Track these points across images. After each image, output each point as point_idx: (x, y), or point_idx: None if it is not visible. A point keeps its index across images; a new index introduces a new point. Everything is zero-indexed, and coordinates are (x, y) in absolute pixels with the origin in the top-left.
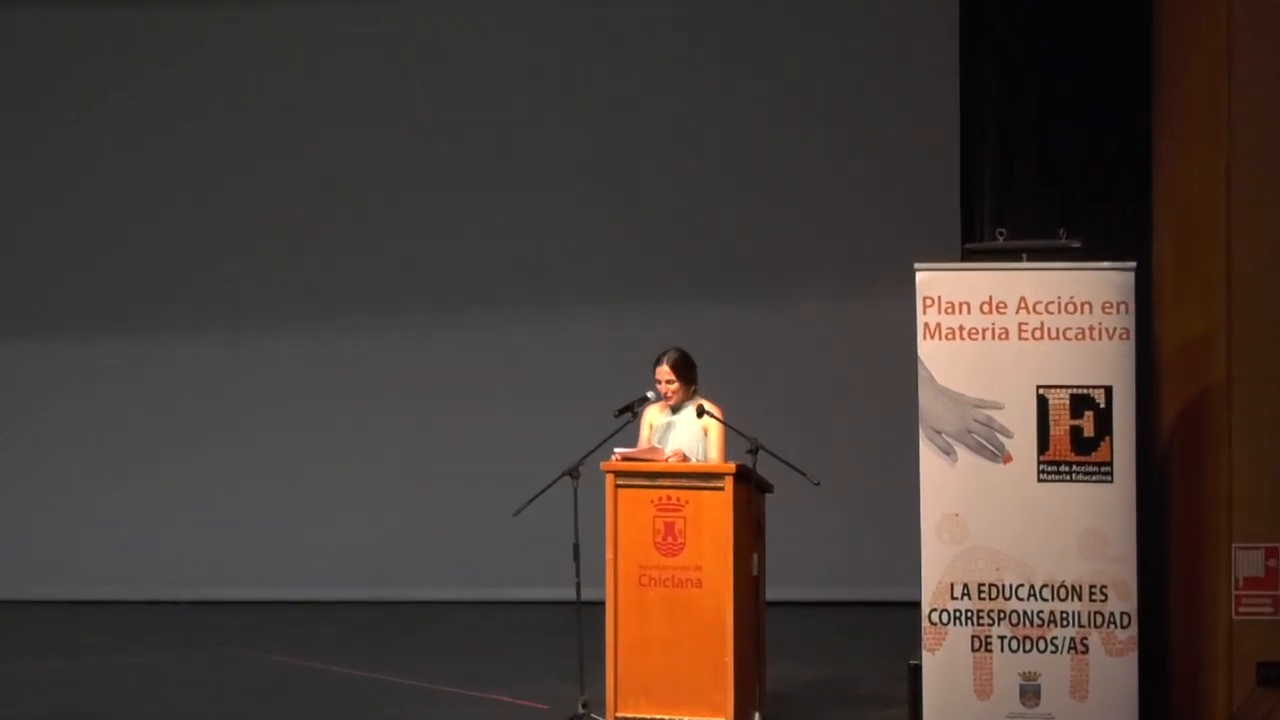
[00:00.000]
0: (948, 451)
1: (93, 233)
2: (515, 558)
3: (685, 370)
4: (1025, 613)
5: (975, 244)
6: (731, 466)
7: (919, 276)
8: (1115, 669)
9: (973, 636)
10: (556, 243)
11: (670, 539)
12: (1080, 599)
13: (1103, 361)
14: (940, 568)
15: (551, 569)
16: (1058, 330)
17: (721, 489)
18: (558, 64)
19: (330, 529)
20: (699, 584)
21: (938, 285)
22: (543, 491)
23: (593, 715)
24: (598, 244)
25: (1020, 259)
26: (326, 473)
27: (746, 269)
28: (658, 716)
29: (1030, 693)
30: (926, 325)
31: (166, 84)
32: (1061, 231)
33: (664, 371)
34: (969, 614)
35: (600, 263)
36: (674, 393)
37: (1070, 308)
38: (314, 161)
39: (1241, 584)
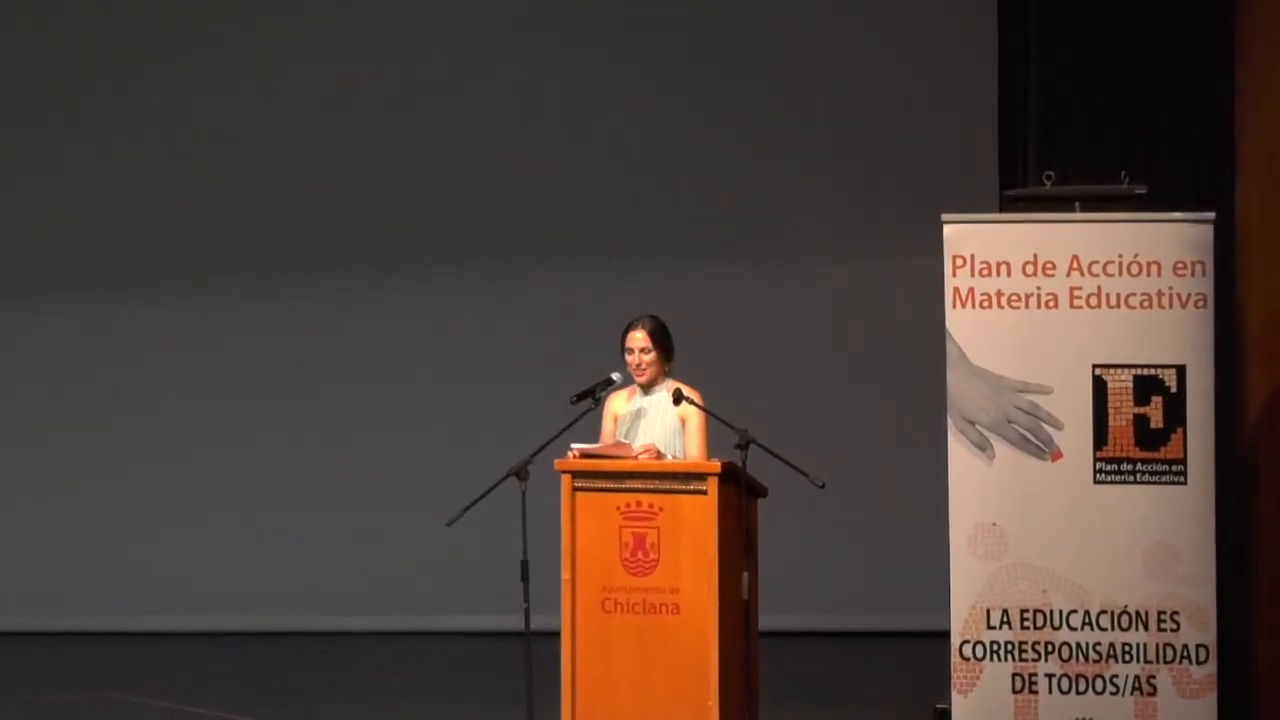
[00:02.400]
0: (982, 447)
1: None
2: (448, 578)
3: (664, 340)
4: (1079, 645)
5: (1017, 190)
6: (716, 465)
7: (947, 231)
8: (1190, 714)
9: (1014, 675)
10: (494, 187)
11: (640, 555)
12: (1146, 628)
13: (1174, 335)
14: (974, 590)
15: (493, 592)
16: (1118, 296)
17: (704, 493)
18: None
19: (212, 544)
20: (676, 610)
21: (970, 241)
22: (482, 497)
23: None
24: (551, 191)
25: (1072, 208)
26: (210, 475)
27: (734, 223)
28: None
29: None
30: (956, 291)
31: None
32: (1123, 175)
33: (637, 338)
34: (1009, 647)
35: (555, 214)
36: (648, 366)
37: (1134, 269)
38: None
39: None
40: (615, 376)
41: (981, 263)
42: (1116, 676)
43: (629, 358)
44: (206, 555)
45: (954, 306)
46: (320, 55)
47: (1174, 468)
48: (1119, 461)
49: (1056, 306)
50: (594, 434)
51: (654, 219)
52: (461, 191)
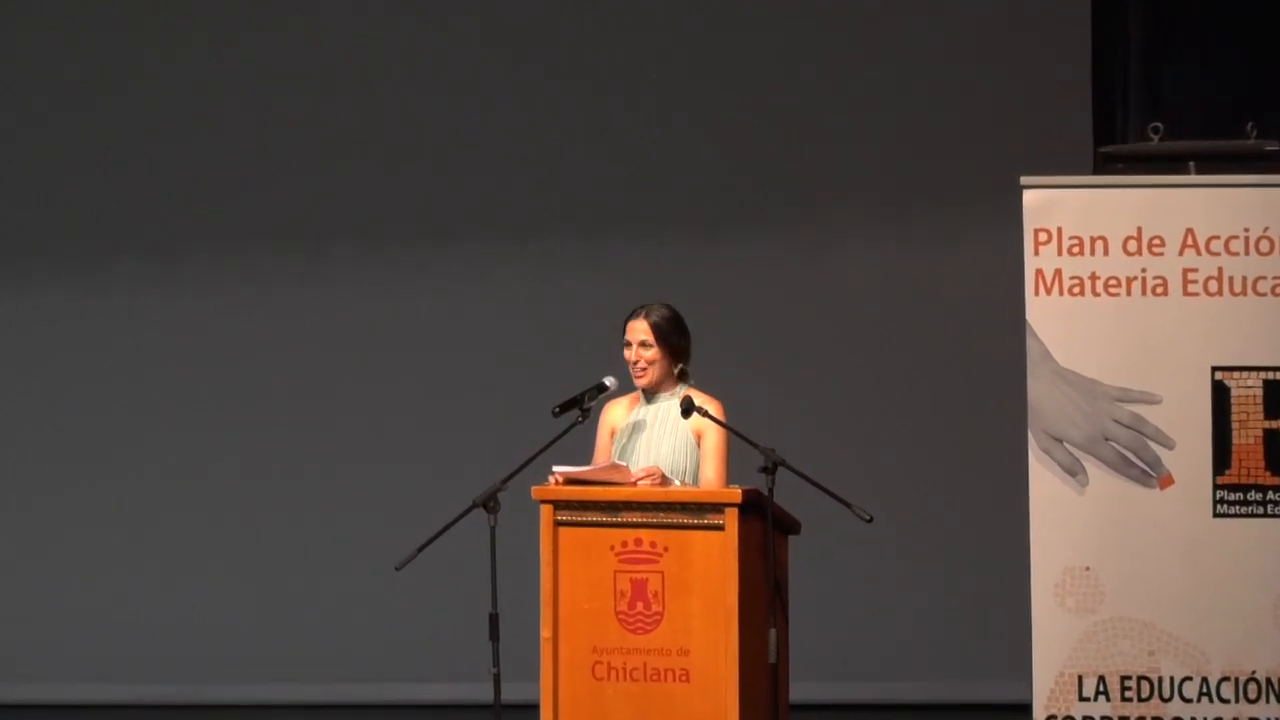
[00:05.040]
0: (1072, 471)
1: None
2: (399, 636)
3: (673, 335)
4: None
5: (1115, 147)
6: (737, 493)
7: (1028, 198)
8: None
9: None
10: (472, 152)
11: (640, 607)
12: None
13: None
14: (1062, 651)
15: (456, 653)
16: (1244, 281)
17: (720, 528)
18: None
19: (113, 603)
20: (686, 677)
21: (1057, 211)
22: (440, 533)
23: None
24: (546, 155)
25: (1186, 169)
26: (104, 520)
27: (758, 192)
28: None
29: None
30: (1040, 274)
31: None
32: (1250, 127)
33: (638, 329)
34: None
35: (532, 184)
36: (649, 365)
37: (1263, 246)
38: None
39: None
40: (609, 382)
41: (1071, 238)
42: None
43: (626, 353)
44: (104, 615)
45: (1036, 294)
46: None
47: None
48: (1245, 489)
49: (1166, 293)
50: (585, 454)
51: (657, 186)
52: (395, 158)
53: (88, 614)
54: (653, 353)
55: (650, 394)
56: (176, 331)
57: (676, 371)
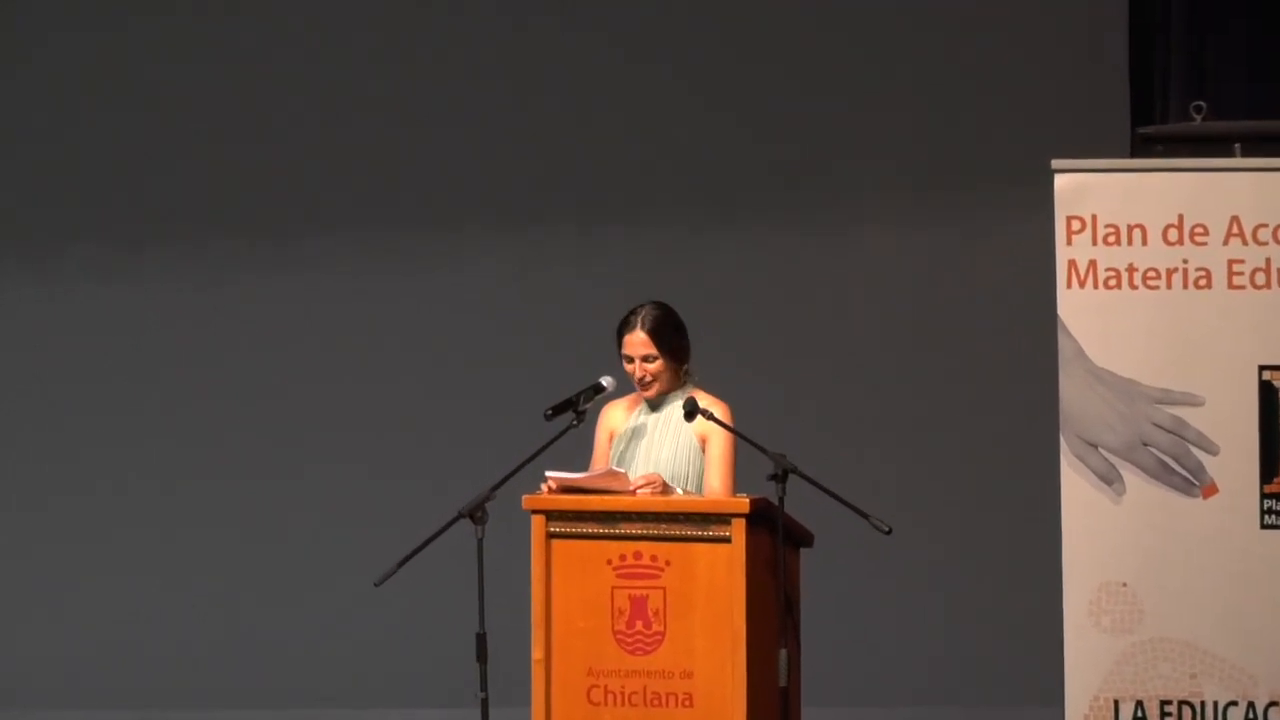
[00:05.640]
0: (1108, 479)
1: None
2: (379, 657)
3: (672, 338)
4: None
5: (1154, 128)
6: (745, 502)
7: (1059, 183)
8: None
9: None
10: (456, 135)
11: (640, 625)
12: None
13: None
14: (1097, 673)
15: (440, 676)
16: None
17: (726, 540)
18: None
19: (68, 623)
20: (689, 702)
21: (1091, 197)
22: (423, 547)
23: None
24: (536, 135)
25: (1232, 152)
26: (58, 532)
27: (777, 176)
28: None
29: None
30: (1073, 265)
31: None
32: None
33: (637, 343)
34: None
35: (536, 166)
36: (656, 378)
37: None
38: None
39: None
40: (606, 382)
41: (1107, 226)
42: None
43: (628, 368)
44: (60, 636)
45: (1069, 286)
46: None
47: None
48: None
49: (1210, 286)
50: (580, 459)
51: (657, 168)
52: (372, 141)
53: (41, 637)
54: (657, 364)
55: (653, 397)
56: (132, 329)
57: (682, 372)
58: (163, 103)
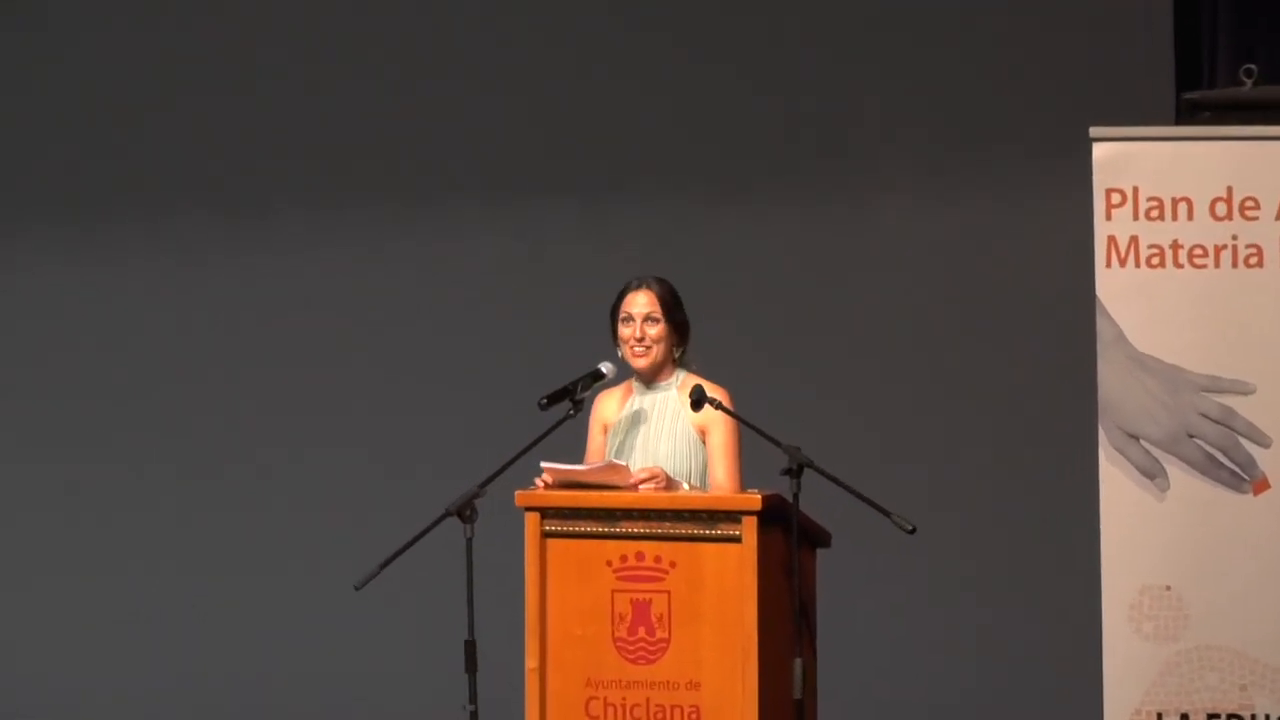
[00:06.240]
0: (1151, 473)
1: None
2: (361, 667)
3: (678, 310)
4: None
5: (1201, 93)
6: (756, 499)
7: (1098, 153)
8: None
9: None
10: (446, 98)
11: (643, 632)
12: None
13: None
14: (1139, 685)
15: (426, 687)
16: None
17: (736, 539)
18: None
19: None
20: (696, 715)
21: (1133, 168)
22: (406, 548)
23: None
24: (537, 101)
25: None
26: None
27: (793, 143)
28: None
29: None
30: (1113, 241)
31: None
32: None
33: (640, 301)
34: None
35: (533, 132)
36: (654, 344)
37: None
38: None
39: None
40: (606, 368)
41: (1150, 200)
42: None
43: (625, 330)
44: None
45: (1108, 265)
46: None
47: None
48: None
49: (1261, 264)
50: (577, 453)
51: (663, 135)
52: (353, 104)
53: None
54: (659, 329)
55: (649, 380)
56: (93, 312)
57: (677, 356)
58: (122, 68)
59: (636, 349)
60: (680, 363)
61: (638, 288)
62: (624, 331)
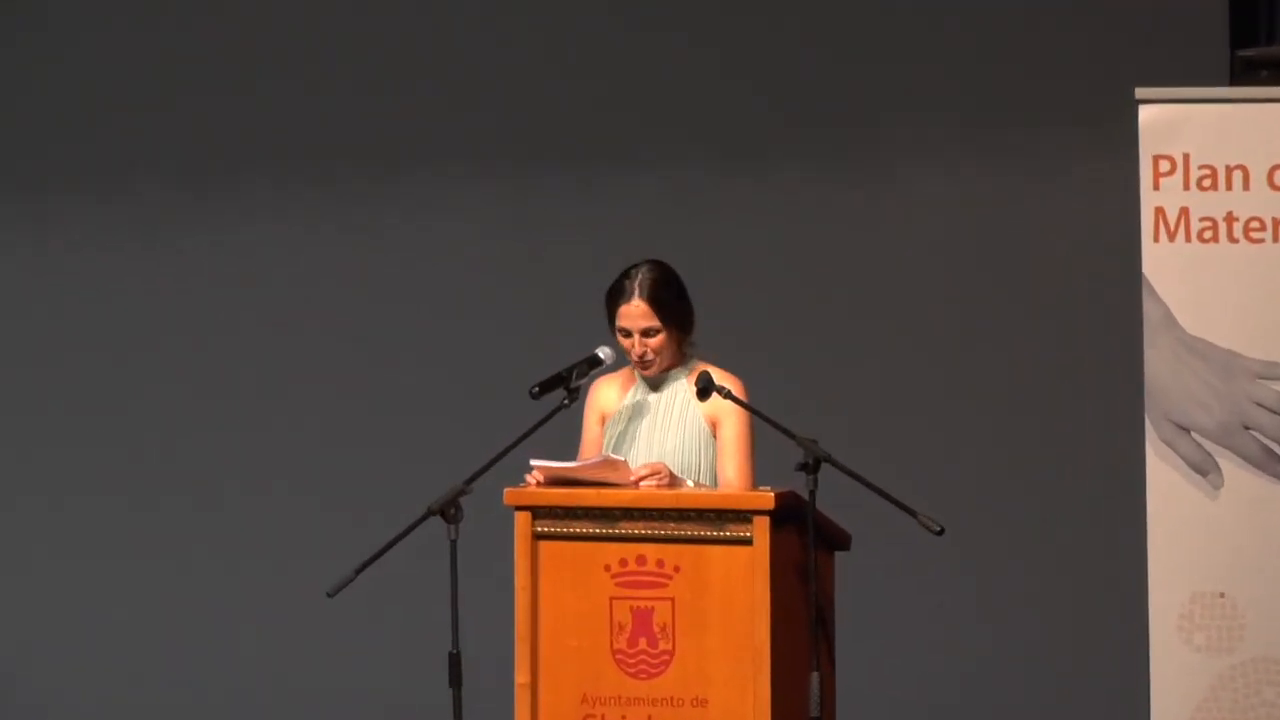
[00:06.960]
0: (1203, 469)
1: None
2: (336, 680)
3: (674, 305)
4: None
5: (1257, 50)
6: (769, 497)
7: (1145, 116)
8: None
9: None
10: (434, 61)
11: (645, 643)
12: None
13: None
14: (1189, 701)
15: (407, 702)
16: None
17: (747, 541)
18: None
19: None
20: None
21: (1183, 133)
22: (385, 550)
23: None
24: (533, 64)
25: None
26: None
27: (812, 109)
28: None
29: None
30: (1161, 214)
31: None
32: None
33: (637, 314)
34: None
35: (527, 97)
36: (658, 354)
37: None
38: None
39: None
40: (603, 353)
41: (1201, 168)
42: None
43: (625, 343)
44: None
45: (1156, 240)
46: None
47: None
48: None
49: None
50: (572, 446)
51: (671, 101)
52: (332, 64)
53: None
54: (659, 338)
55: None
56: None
57: (684, 345)
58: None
59: (641, 363)
60: (689, 353)
61: (628, 297)
62: (624, 343)
